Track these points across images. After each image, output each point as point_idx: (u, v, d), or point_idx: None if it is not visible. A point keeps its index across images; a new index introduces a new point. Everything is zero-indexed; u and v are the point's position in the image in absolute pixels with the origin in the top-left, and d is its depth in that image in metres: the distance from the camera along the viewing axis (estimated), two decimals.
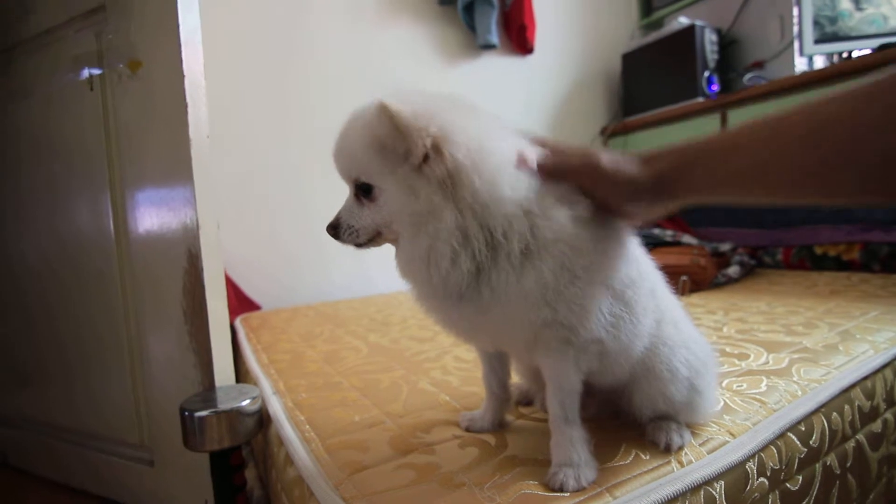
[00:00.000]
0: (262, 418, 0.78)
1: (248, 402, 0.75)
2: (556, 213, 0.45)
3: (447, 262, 0.44)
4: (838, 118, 0.35)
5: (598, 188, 0.46)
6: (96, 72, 0.94)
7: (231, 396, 0.77)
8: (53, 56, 1.01)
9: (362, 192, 0.47)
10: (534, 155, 0.47)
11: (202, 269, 0.81)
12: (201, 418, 0.72)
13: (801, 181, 0.37)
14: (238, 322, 1.37)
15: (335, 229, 0.49)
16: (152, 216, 0.88)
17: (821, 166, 0.35)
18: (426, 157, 0.43)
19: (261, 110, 1.64)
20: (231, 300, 1.42)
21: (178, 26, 0.79)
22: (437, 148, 0.43)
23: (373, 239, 0.49)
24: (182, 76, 0.79)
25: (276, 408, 0.74)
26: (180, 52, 0.79)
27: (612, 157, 0.47)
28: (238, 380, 0.99)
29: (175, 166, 0.82)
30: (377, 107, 0.43)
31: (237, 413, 0.74)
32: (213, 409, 0.73)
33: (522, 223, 0.44)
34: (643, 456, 0.49)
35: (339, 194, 0.52)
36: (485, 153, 0.44)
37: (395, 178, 0.45)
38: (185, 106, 0.80)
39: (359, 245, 0.50)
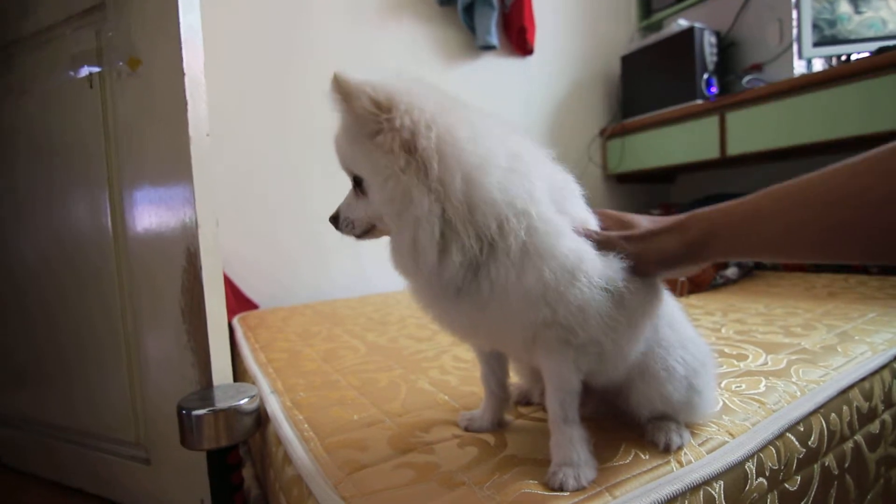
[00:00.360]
0: (260, 417, 0.77)
1: (245, 400, 0.75)
2: (555, 217, 0.46)
3: (433, 254, 0.44)
4: (849, 193, 0.38)
5: (631, 256, 0.49)
6: (96, 70, 0.93)
7: (229, 395, 0.77)
8: (52, 54, 1.01)
9: (356, 184, 0.48)
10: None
11: (201, 268, 0.81)
12: (199, 417, 0.72)
13: (818, 249, 0.41)
14: (235, 321, 1.36)
15: (335, 221, 0.51)
16: (151, 215, 0.88)
17: (833, 237, 0.39)
18: (401, 143, 0.43)
19: (260, 109, 1.64)
20: (229, 299, 1.42)
21: (178, 24, 0.79)
22: (411, 130, 0.43)
23: (369, 231, 0.50)
24: (182, 74, 0.79)
25: (274, 407, 0.74)
26: (180, 50, 0.79)
27: (649, 229, 0.50)
28: (236, 379, 0.99)
29: (174, 165, 0.82)
30: (331, 79, 0.43)
31: (235, 412, 0.74)
32: (210, 408, 0.72)
33: (516, 223, 0.44)
34: (643, 456, 0.49)
35: (337, 194, 0.53)
36: (463, 147, 0.43)
37: (370, 164, 0.45)
38: (185, 104, 0.79)
39: (357, 237, 0.51)
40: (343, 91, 0.43)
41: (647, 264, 0.49)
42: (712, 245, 0.46)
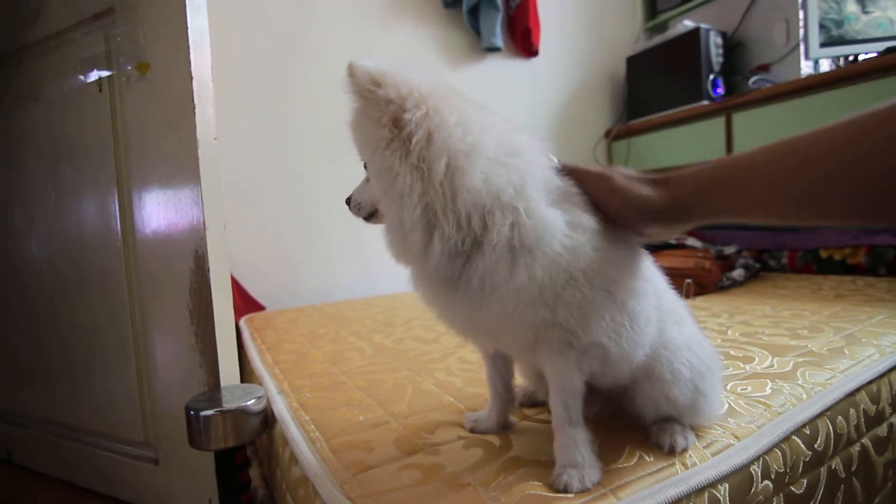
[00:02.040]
0: (267, 418, 0.78)
1: (253, 401, 0.76)
2: (545, 213, 0.44)
3: (419, 234, 0.44)
4: (834, 146, 0.37)
5: (610, 204, 0.47)
6: (105, 74, 0.95)
7: (236, 396, 0.78)
8: (62, 59, 1.02)
9: (365, 169, 0.50)
10: (554, 159, 0.49)
11: (209, 270, 0.82)
12: (206, 417, 0.73)
13: (802, 205, 0.39)
14: (242, 322, 1.37)
15: (348, 203, 0.54)
16: (159, 217, 0.89)
17: (815, 190, 0.38)
18: (396, 124, 0.44)
19: (266, 112, 1.65)
20: (235, 300, 1.43)
21: (186, 28, 0.80)
22: (397, 113, 0.44)
23: (374, 214, 0.52)
24: (190, 78, 0.80)
25: (281, 407, 0.74)
26: (189, 54, 0.80)
27: (627, 176, 0.48)
28: (243, 380, 0.99)
29: (182, 167, 0.83)
30: (347, 67, 0.45)
31: (242, 412, 0.74)
32: (218, 409, 0.73)
33: (501, 217, 0.44)
34: (647, 458, 0.50)
35: (342, 194, 0.55)
36: (452, 133, 0.44)
37: (369, 150, 0.46)
38: (193, 107, 0.80)
39: (364, 219, 0.53)
40: (349, 71, 0.45)
41: (629, 214, 0.47)
42: (700, 205, 0.44)
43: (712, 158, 0.46)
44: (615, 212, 0.47)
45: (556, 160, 0.49)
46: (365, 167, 0.50)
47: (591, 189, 0.48)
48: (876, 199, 0.36)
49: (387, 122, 0.44)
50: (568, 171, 0.49)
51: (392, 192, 0.45)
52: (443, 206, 0.43)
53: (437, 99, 0.45)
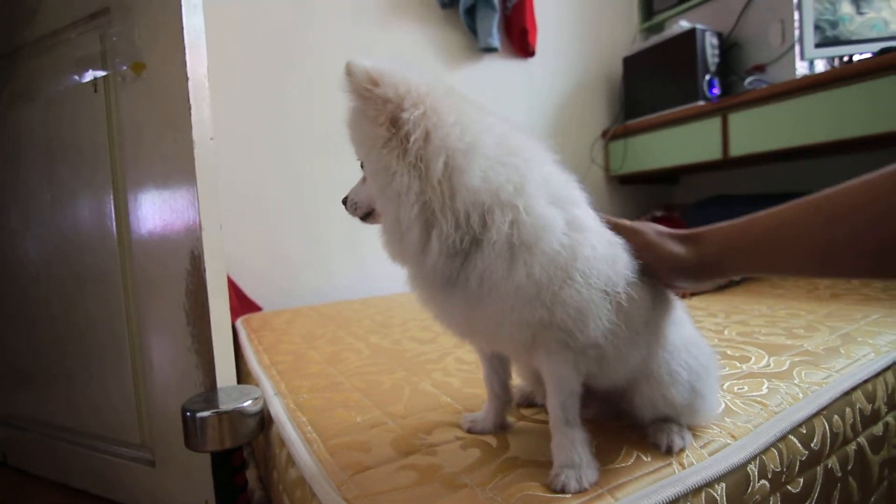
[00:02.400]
0: (264, 419, 0.78)
1: (249, 402, 0.76)
2: (545, 211, 0.44)
3: (416, 234, 0.44)
4: (858, 204, 0.39)
5: (642, 258, 0.49)
6: (100, 74, 0.94)
7: (233, 397, 0.77)
8: (57, 59, 1.01)
9: (362, 169, 0.50)
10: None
11: (205, 271, 0.81)
12: (203, 419, 0.73)
13: (824, 262, 0.41)
14: (239, 323, 1.37)
15: (345, 203, 0.54)
16: (155, 218, 0.89)
17: (837, 248, 0.40)
18: (394, 123, 0.44)
19: (263, 113, 1.64)
20: (232, 301, 1.42)
21: (182, 28, 0.80)
22: (394, 112, 0.44)
23: (370, 214, 0.52)
24: (186, 78, 0.80)
25: (278, 408, 0.74)
26: (184, 55, 0.80)
27: (659, 233, 0.50)
28: (240, 381, 0.99)
29: (178, 167, 0.83)
30: (345, 66, 0.45)
31: (239, 414, 0.74)
32: (214, 410, 0.73)
33: (500, 216, 0.43)
34: (644, 458, 0.50)
35: (340, 195, 0.54)
36: (449, 132, 0.44)
37: (366, 149, 0.46)
38: (189, 108, 0.80)
39: (361, 219, 0.53)
40: (347, 70, 0.45)
41: (660, 269, 0.49)
42: (727, 264, 0.46)
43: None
44: (646, 265, 0.49)
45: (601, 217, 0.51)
46: (362, 167, 0.50)
47: (623, 231, 0.50)
48: (879, 260, 0.38)
49: (384, 121, 0.44)
50: (606, 223, 0.50)
51: (389, 191, 0.45)
52: (441, 204, 0.43)
53: (435, 98, 0.45)
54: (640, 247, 0.49)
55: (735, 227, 0.46)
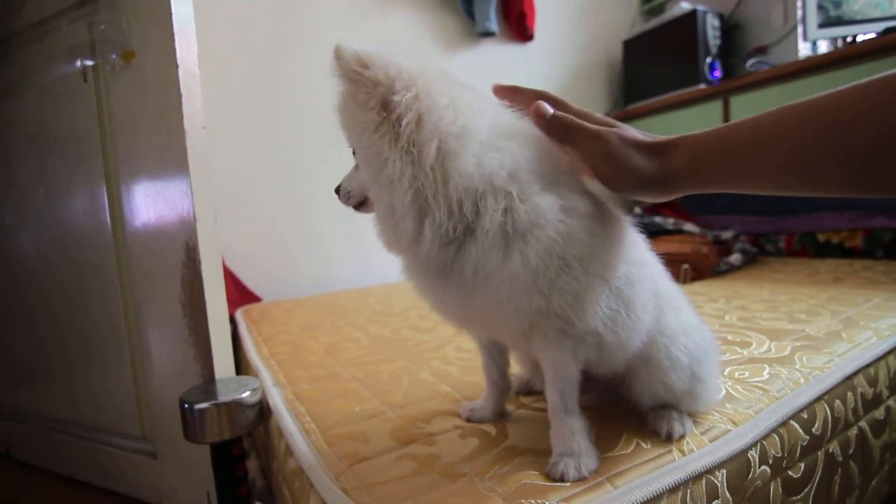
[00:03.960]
0: (263, 410, 0.78)
1: (248, 393, 0.75)
2: (539, 198, 0.43)
3: (410, 221, 0.43)
4: (833, 107, 0.37)
5: (599, 168, 0.46)
6: (89, 63, 0.93)
7: (231, 388, 0.77)
8: (48, 48, 1.00)
9: (354, 156, 0.49)
10: (549, 108, 0.47)
11: (200, 262, 0.81)
12: (201, 410, 0.72)
13: (797, 173, 0.39)
14: (238, 314, 1.37)
15: (337, 192, 0.52)
16: (149, 209, 0.88)
17: (813, 157, 0.37)
18: (385, 107, 0.43)
19: (257, 101, 1.63)
20: (231, 292, 1.42)
21: (170, 16, 0.78)
22: (385, 95, 0.42)
23: (364, 203, 0.51)
24: (176, 66, 0.78)
25: (277, 399, 0.74)
26: (174, 42, 0.78)
27: (624, 140, 0.46)
28: (239, 372, 0.99)
29: (171, 158, 0.82)
30: (334, 49, 0.43)
31: (237, 405, 0.74)
32: (212, 401, 0.73)
33: (493, 202, 0.42)
34: (644, 445, 0.49)
35: (336, 183, 0.53)
36: (442, 115, 0.43)
37: (357, 135, 0.45)
38: (180, 97, 0.79)
39: (354, 208, 0.52)
40: (336, 53, 0.43)
41: (621, 182, 0.45)
42: (694, 177, 0.43)
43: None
44: (602, 176, 0.46)
45: (550, 109, 0.47)
46: (354, 154, 0.49)
47: (583, 147, 0.46)
48: (859, 166, 0.35)
49: (375, 105, 0.43)
50: (563, 125, 0.46)
51: (381, 178, 0.43)
52: (433, 191, 0.42)
53: (426, 81, 0.43)
54: (600, 157, 0.45)
55: (708, 135, 0.43)
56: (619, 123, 0.48)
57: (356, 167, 0.50)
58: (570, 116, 0.47)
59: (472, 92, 0.47)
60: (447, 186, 0.42)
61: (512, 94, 0.50)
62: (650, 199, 0.48)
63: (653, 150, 0.45)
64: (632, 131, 0.47)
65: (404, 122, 0.42)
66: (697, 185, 0.44)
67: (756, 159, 0.40)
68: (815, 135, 0.37)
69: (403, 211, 0.43)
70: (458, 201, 0.42)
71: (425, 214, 0.43)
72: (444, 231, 0.43)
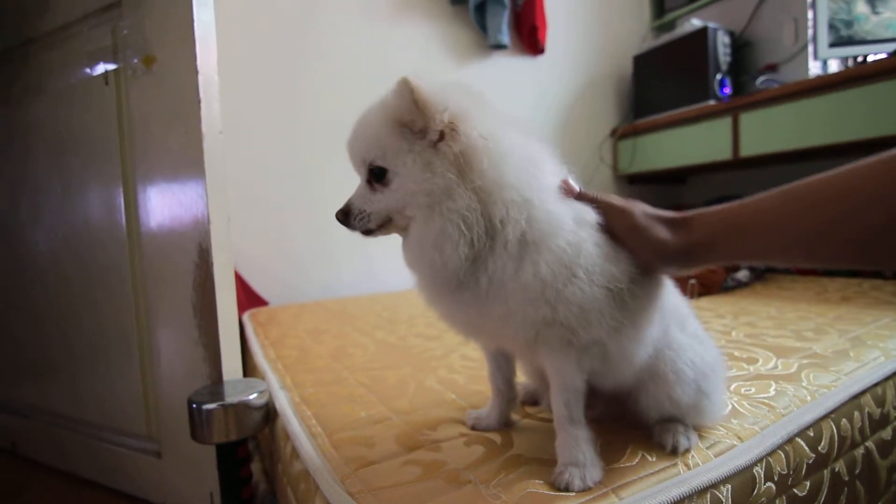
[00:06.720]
0: (269, 412, 0.78)
1: (255, 395, 0.76)
2: (556, 207, 0.46)
3: (451, 246, 0.44)
4: (839, 192, 0.39)
5: (628, 240, 0.48)
6: (111, 67, 0.95)
7: (238, 390, 0.78)
8: (69, 52, 1.02)
9: (375, 177, 0.48)
10: (576, 185, 0.50)
11: (212, 264, 0.82)
12: (209, 411, 0.73)
13: (814, 249, 0.41)
14: (246, 317, 1.38)
15: (346, 215, 0.50)
16: (164, 211, 0.89)
17: (828, 235, 0.39)
18: (442, 135, 0.44)
19: (272, 107, 1.65)
20: (239, 295, 1.43)
21: (192, 22, 0.80)
22: (452, 125, 0.44)
23: (383, 225, 0.50)
24: (196, 72, 0.80)
25: (283, 402, 0.74)
26: (195, 48, 0.80)
27: (646, 215, 0.49)
28: (245, 374, 1.00)
29: (187, 161, 0.83)
30: (399, 82, 0.44)
31: (244, 406, 0.75)
32: (220, 403, 0.73)
33: (519, 211, 0.44)
34: (650, 457, 0.49)
35: (347, 192, 0.52)
36: (494, 138, 0.45)
37: (411, 156, 0.45)
38: (199, 101, 0.80)
39: (368, 231, 0.50)
40: (403, 87, 0.44)
41: (645, 254, 0.48)
42: (714, 252, 0.45)
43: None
44: (632, 249, 0.48)
45: (577, 186, 0.50)
46: (378, 175, 0.48)
47: (611, 221, 0.49)
48: (864, 248, 0.38)
49: (440, 145, 0.45)
50: (591, 199, 0.49)
51: (443, 209, 0.44)
52: (478, 212, 0.44)
53: (470, 109, 0.46)
54: (626, 230, 0.48)
55: (726, 211, 0.45)
56: (636, 202, 0.51)
57: (373, 188, 0.49)
58: (600, 194, 0.50)
59: (503, 113, 0.49)
60: (491, 206, 0.44)
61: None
62: (673, 272, 0.51)
63: (673, 223, 0.48)
64: (650, 208, 0.50)
65: (469, 157, 0.44)
66: (714, 258, 0.47)
67: (762, 241, 0.43)
68: (819, 223, 0.39)
69: (455, 235, 0.44)
70: (499, 220, 0.44)
71: (466, 235, 0.44)
72: (477, 249, 0.44)
